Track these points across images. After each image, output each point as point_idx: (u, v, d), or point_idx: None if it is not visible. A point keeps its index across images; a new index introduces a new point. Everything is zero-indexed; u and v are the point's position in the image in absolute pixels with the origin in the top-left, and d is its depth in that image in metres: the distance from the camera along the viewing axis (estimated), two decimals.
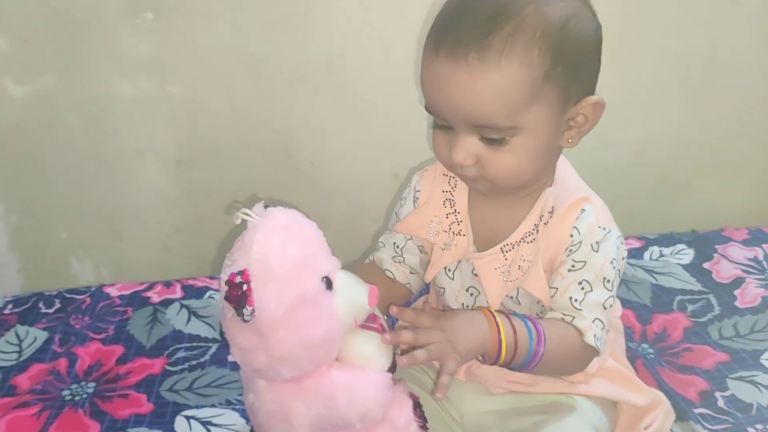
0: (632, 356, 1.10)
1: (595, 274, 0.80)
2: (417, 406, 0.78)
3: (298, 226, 0.71)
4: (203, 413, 1.02)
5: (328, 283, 0.71)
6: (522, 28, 0.72)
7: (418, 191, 0.93)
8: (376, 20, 1.38)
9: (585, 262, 0.80)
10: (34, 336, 1.21)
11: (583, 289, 0.80)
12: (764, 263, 1.36)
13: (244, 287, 0.65)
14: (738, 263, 1.36)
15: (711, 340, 1.16)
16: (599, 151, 1.53)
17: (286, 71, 1.39)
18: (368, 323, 0.76)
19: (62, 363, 1.12)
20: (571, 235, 0.81)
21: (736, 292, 1.28)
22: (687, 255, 1.41)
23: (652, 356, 1.12)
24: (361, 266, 0.97)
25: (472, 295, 0.89)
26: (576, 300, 0.80)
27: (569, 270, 0.81)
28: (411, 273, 0.94)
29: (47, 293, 1.33)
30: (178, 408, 1.04)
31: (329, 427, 0.73)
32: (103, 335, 1.21)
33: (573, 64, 0.76)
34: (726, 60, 1.49)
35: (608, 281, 0.81)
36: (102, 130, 1.40)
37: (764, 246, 1.41)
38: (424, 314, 0.76)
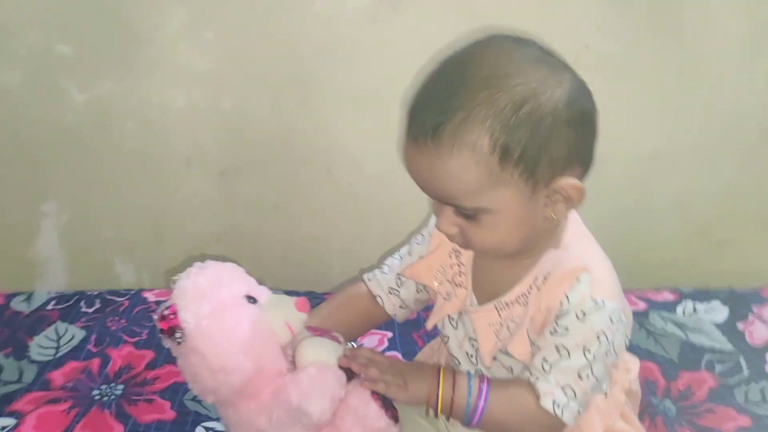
0: (652, 412, 1.10)
1: (576, 343, 0.78)
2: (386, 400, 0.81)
3: (213, 264, 0.83)
4: (223, 427, 1.05)
5: (253, 300, 0.81)
6: (471, 117, 0.72)
7: (432, 235, 0.95)
8: (427, 51, 1.40)
9: (568, 329, 0.79)
10: (73, 333, 1.26)
11: (559, 354, 0.79)
12: None
13: (172, 317, 0.77)
14: None
15: (735, 403, 1.14)
16: (640, 199, 1.53)
17: (334, 93, 1.43)
18: (318, 334, 0.86)
19: (95, 363, 1.18)
20: (561, 303, 0.79)
21: None
22: (721, 313, 1.39)
23: (673, 414, 1.11)
24: (347, 294, 1.00)
25: (473, 346, 0.90)
26: (546, 362, 0.79)
27: (551, 333, 0.80)
28: (401, 307, 0.98)
29: (89, 293, 1.39)
30: (199, 418, 1.08)
31: (298, 427, 0.78)
32: (136, 339, 1.26)
33: (531, 149, 0.73)
34: None
35: (589, 351, 0.78)
36: (154, 137, 1.46)
37: None
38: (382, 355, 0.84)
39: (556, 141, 0.75)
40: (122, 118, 1.44)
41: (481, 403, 0.80)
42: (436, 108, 0.74)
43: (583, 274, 0.79)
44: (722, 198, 1.54)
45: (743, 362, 1.24)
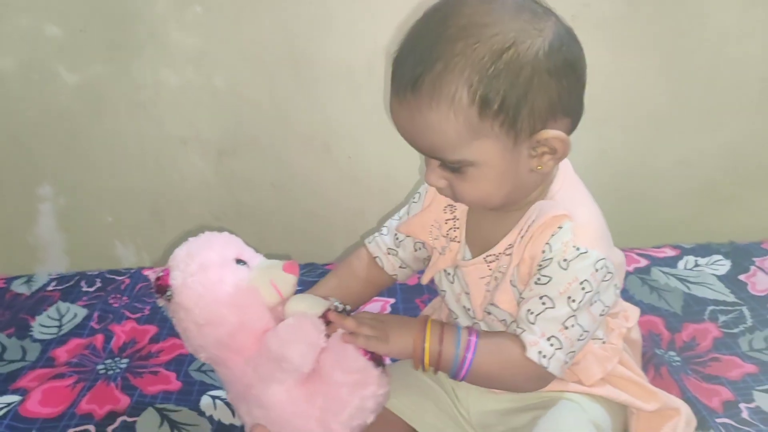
0: (657, 363, 1.10)
1: (559, 292, 0.78)
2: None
3: (209, 233, 0.88)
4: None
5: (243, 263, 0.85)
6: (449, 68, 0.71)
7: (427, 191, 0.95)
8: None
9: (551, 277, 0.78)
10: (75, 312, 1.26)
11: (543, 304, 0.79)
12: None
13: (164, 277, 0.82)
14: None
15: (740, 352, 1.14)
16: (644, 159, 1.52)
17: (329, 67, 1.42)
18: None
19: (99, 339, 1.18)
20: (543, 251, 0.79)
21: None
22: (723, 266, 1.38)
23: (678, 364, 1.11)
24: (348, 263, 1.01)
25: (470, 300, 0.90)
26: (531, 312, 0.79)
27: (536, 283, 0.79)
28: (401, 267, 0.98)
29: (89, 273, 1.39)
30: (204, 387, 1.08)
31: (285, 375, 0.80)
32: (138, 315, 1.26)
33: (511, 99, 0.72)
34: None
35: (573, 301, 0.78)
36: (148, 118, 1.45)
37: None
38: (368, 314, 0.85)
39: (537, 91, 0.73)
40: (115, 99, 1.44)
41: (470, 356, 0.80)
42: (415, 60, 0.73)
43: (565, 222, 0.79)
44: (726, 155, 1.53)
45: (747, 312, 1.24)
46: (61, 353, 1.15)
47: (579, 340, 0.80)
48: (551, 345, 0.79)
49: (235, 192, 1.54)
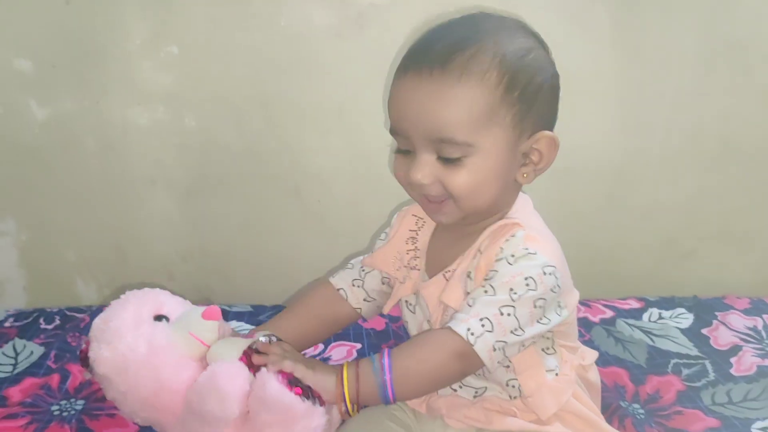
0: (622, 415, 1.10)
1: (502, 282, 0.80)
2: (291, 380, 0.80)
3: (127, 294, 0.90)
4: None
5: (163, 319, 0.87)
6: (481, 52, 0.78)
7: (391, 226, 0.98)
8: (392, 69, 1.41)
9: (497, 271, 0.81)
10: (31, 350, 1.22)
11: (486, 291, 0.80)
12: (763, 333, 1.35)
13: (85, 351, 0.85)
14: (737, 331, 1.35)
15: (703, 405, 1.15)
16: (605, 212, 1.55)
17: (299, 111, 1.43)
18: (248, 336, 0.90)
19: (55, 378, 1.14)
20: (496, 254, 0.82)
21: (733, 360, 1.26)
22: (686, 319, 1.40)
23: (642, 416, 1.11)
24: (309, 296, 1.01)
25: (431, 328, 0.91)
26: (473, 298, 0.80)
27: (484, 279, 0.82)
28: (365, 300, 0.99)
29: (49, 309, 1.36)
30: None
31: (213, 427, 0.79)
32: None
33: (527, 94, 0.80)
34: (738, 132, 1.51)
35: (514, 292, 0.79)
36: (117, 156, 1.44)
37: (764, 316, 1.40)
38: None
39: (543, 97, 0.82)
40: (84, 135, 1.43)
41: (388, 375, 0.80)
42: (449, 43, 0.79)
43: (518, 231, 0.82)
44: (684, 211, 1.57)
45: (709, 366, 1.25)
46: (15, 392, 1.11)
47: (513, 333, 0.79)
48: (482, 325, 0.78)
49: (202, 232, 1.52)
